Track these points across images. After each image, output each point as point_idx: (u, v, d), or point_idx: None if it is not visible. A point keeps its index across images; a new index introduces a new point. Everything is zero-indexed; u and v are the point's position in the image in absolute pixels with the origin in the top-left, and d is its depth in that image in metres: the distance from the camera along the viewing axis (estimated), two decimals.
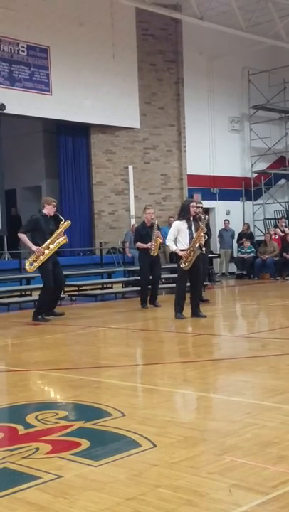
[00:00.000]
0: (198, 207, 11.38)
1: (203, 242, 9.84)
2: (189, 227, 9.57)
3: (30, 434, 4.03)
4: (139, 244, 11.47)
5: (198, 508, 2.83)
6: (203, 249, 9.75)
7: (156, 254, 11.43)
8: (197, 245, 9.56)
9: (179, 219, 9.80)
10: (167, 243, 9.97)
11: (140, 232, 11.59)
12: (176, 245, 9.60)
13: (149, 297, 11.55)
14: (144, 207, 12.45)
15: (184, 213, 9.68)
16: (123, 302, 13.52)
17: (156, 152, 17.81)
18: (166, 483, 3.12)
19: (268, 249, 17.63)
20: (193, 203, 9.88)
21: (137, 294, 12.61)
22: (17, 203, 18.57)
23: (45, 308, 10.15)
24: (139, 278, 12.24)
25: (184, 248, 9.51)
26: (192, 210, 9.59)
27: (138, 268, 12.37)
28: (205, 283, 12.64)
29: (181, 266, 9.55)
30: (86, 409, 4.65)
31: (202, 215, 10.26)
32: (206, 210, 19.10)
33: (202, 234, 9.69)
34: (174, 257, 10.90)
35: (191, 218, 9.61)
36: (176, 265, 9.99)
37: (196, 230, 9.59)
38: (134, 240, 11.89)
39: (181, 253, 9.52)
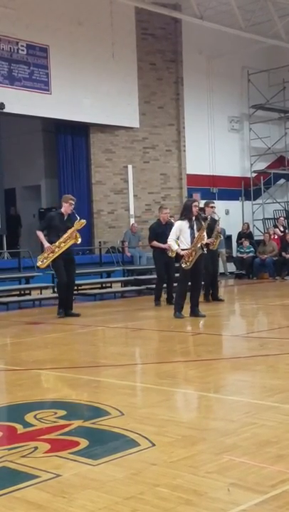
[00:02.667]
0: (212, 207, 11.65)
1: (205, 242, 9.79)
2: (191, 227, 9.57)
3: (29, 433, 4.03)
4: (156, 243, 11.43)
5: (196, 507, 2.83)
6: (205, 249, 9.72)
7: (173, 255, 11.33)
8: (199, 245, 9.54)
9: (181, 218, 9.79)
10: (169, 242, 9.97)
11: (156, 231, 11.57)
12: (178, 245, 9.62)
13: (166, 296, 11.57)
14: (160, 206, 12.57)
15: (186, 213, 9.68)
16: (122, 301, 13.51)
17: (156, 151, 17.81)
18: (165, 482, 3.12)
19: (267, 249, 17.63)
20: (196, 203, 9.89)
21: (153, 291, 12.38)
22: (16, 202, 18.58)
23: (63, 304, 10.31)
24: (138, 277, 12.19)
25: (186, 248, 9.52)
26: (194, 209, 9.60)
27: (137, 267, 12.40)
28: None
29: (182, 266, 9.55)
30: (85, 408, 4.65)
31: (215, 216, 10.20)
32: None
33: (204, 234, 9.68)
34: (176, 256, 10.77)
35: (194, 218, 9.62)
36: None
37: (198, 230, 9.58)
38: (150, 239, 11.79)
39: (182, 252, 9.53)
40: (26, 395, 5.16)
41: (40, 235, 10.18)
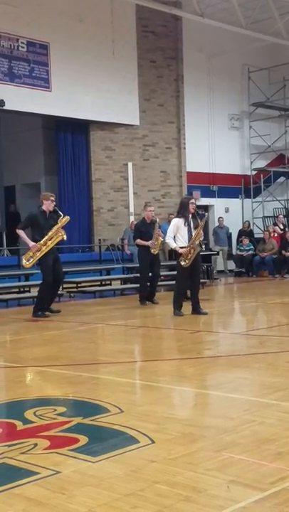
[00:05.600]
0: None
1: (202, 239, 9.86)
2: (188, 224, 9.59)
3: (29, 430, 4.04)
4: (140, 241, 11.47)
5: (196, 504, 2.83)
6: (203, 246, 9.76)
7: (156, 252, 11.45)
8: (197, 242, 9.58)
9: (178, 216, 9.83)
10: (167, 240, 9.99)
11: (140, 229, 11.62)
12: (176, 243, 9.63)
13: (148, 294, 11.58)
14: (144, 204, 12.51)
15: (182, 210, 9.71)
16: (122, 299, 13.51)
17: (156, 149, 17.80)
18: (164, 479, 3.12)
19: (266, 247, 17.64)
20: (193, 200, 9.91)
21: (136, 290, 12.66)
22: (16, 199, 18.57)
23: (44, 304, 10.17)
24: (138, 275, 12.26)
25: (183, 245, 9.53)
26: (191, 207, 9.62)
27: (137, 265, 12.41)
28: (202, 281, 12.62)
29: (182, 263, 9.56)
30: (84, 406, 4.66)
31: (202, 212, 10.26)
32: (205, 208, 19.18)
33: (202, 231, 9.71)
34: (174, 254, 10.87)
35: (190, 215, 9.63)
36: (175, 262, 10.00)
37: (195, 227, 9.60)
38: (134, 237, 11.90)
39: (181, 250, 9.53)
40: (26, 391, 5.17)
41: (22, 233, 9.97)
